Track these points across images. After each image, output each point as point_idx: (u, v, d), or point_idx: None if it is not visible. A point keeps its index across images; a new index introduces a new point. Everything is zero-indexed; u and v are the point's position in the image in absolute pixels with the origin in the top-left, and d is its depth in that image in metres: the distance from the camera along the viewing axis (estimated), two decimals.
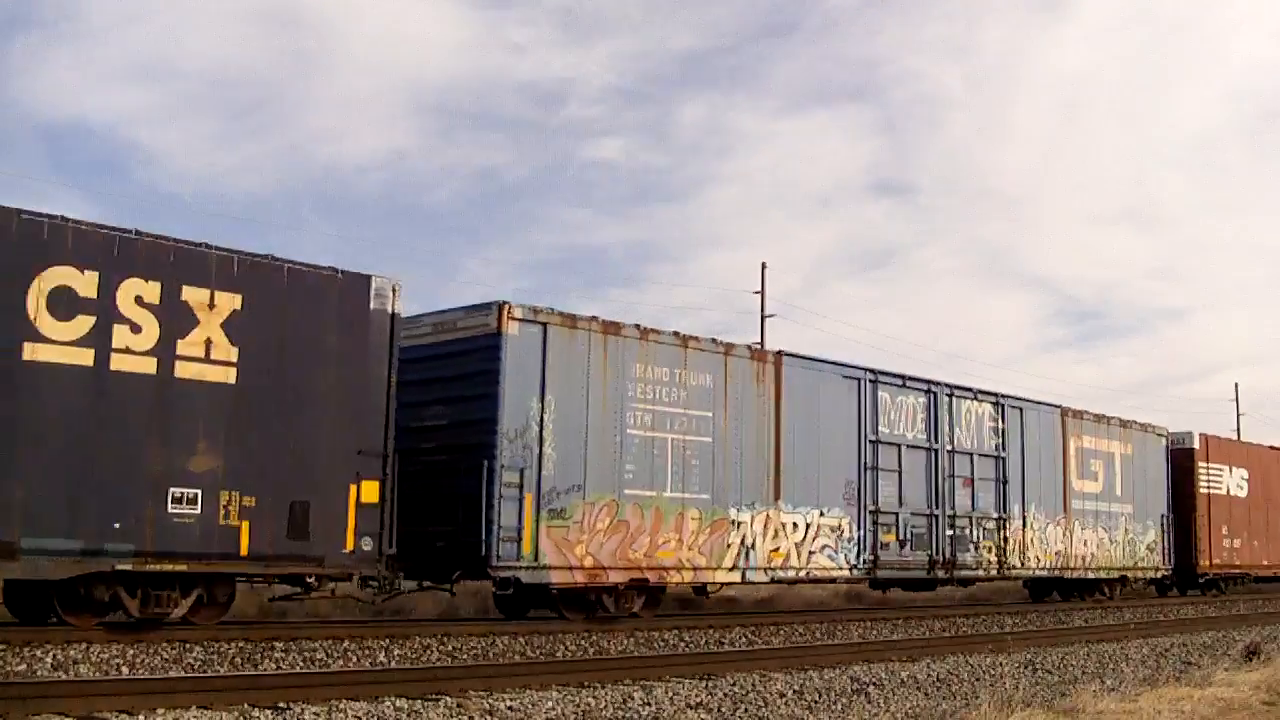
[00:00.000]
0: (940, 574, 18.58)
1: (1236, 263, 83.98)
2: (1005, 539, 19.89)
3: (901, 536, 17.82)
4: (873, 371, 17.90)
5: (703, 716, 8.23)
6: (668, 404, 14.70)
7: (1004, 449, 20.19)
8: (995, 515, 19.83)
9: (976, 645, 13.37)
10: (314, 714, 7.34)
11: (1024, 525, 20.37)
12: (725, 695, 9.02)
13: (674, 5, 72.78)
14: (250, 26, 64.27)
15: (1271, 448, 29.93)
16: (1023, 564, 20.39)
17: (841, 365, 17.53)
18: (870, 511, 17.33)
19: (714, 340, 15.59)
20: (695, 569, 14.87)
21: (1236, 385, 56.59)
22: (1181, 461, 25.58)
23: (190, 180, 67.17)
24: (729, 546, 15.25)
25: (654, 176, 77.00)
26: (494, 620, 14.52)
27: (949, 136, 77.81)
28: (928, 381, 18.88)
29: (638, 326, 14.51)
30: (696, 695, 8.94)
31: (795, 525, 16.21)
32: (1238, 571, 27.36)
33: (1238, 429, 50.00)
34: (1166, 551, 24.49)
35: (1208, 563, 25.63)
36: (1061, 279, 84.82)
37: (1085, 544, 22.08)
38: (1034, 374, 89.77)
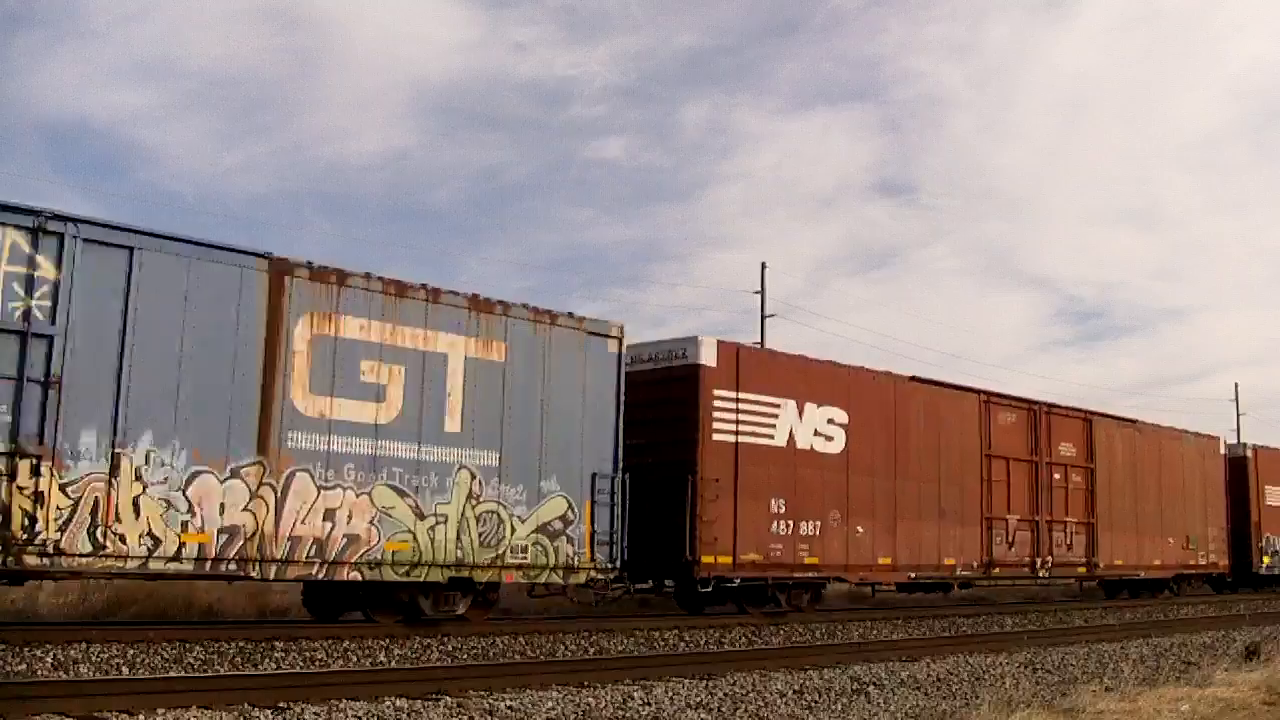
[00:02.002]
0: None
1: (1238, 263, 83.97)
2: None
3: None
4: None
5: (703, 716, 8.23)
6: None
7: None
8: None
9: (976, 645, 13.38)
10: (314, 714, 7.34)
11: (73, 469, 10.12)
12: (725, 695, 9.02)
13: (677, 4, 72.87)
14: (252, 26, 64.29)
15: (914, 379, 18.73)
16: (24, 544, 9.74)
17: None
18: None
19: None
20: None
21: (1236, 385, 56.46)
22: (675, 390, 15.18)
23: (192, 180, 67.15)
24: None
25: (656, 176, 77.06)
26: (494, 620, 14.52)
27: (952, 136, 77.89)
28: None
29: None
30: (696, 695, 8.94)
31: None
32: (810, 576, 16.37)
33: (1238, 430, 49.98)
34: (599, 538, 13.68)
35: (726, 559, 14.96)
36: (1063, 279, 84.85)
37: (326, 517, 11.63)
38: (1035, 374, 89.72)
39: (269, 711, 7.33)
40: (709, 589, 15.18)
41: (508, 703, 8.10)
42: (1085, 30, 76.41)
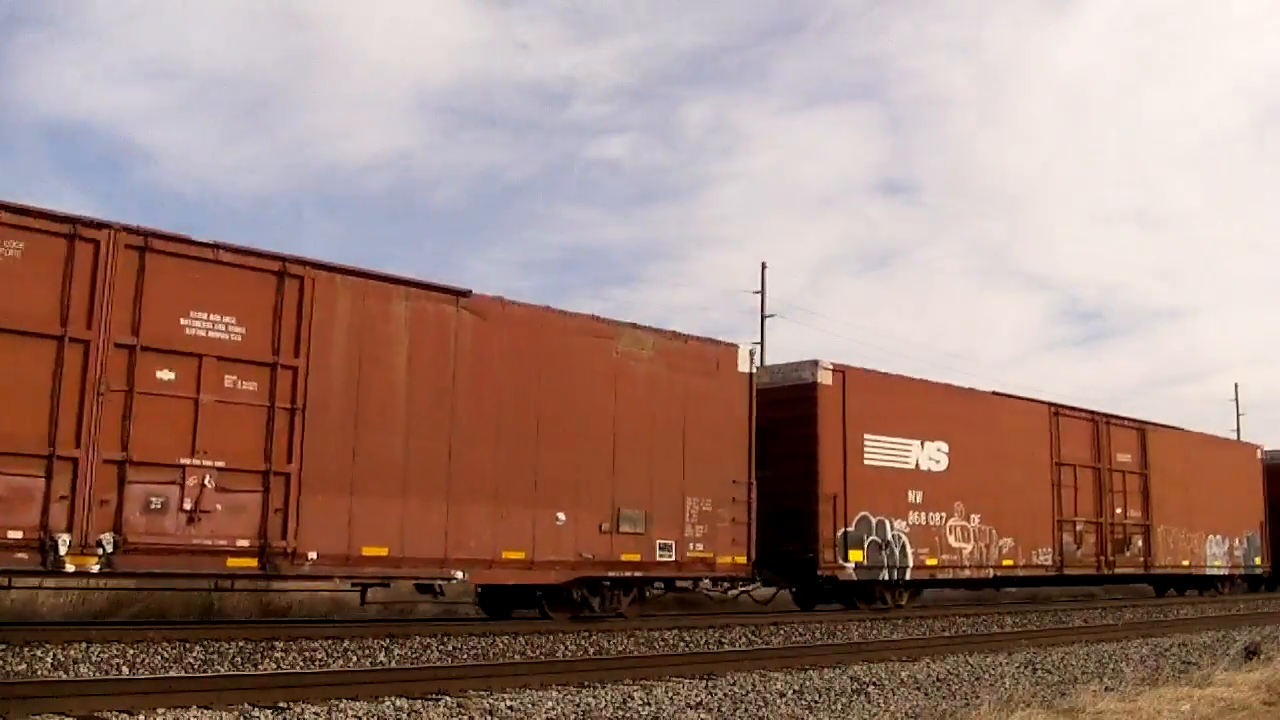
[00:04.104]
0: None
1: (1239, 262, 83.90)
2: None
3: None
4: None
5: (703, 716, 8.23)
6: None
7: None
8: None
9: (976, 645, 13.38)
10: (314, 714, 7.34)
11: None
12: (725, 695, 9.02)
13: (681, 4, 72.89)
14: (255, 25, 64.26)
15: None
16: None
17: None
18: None
19: None
20: None
21: (1236, 385, 56.39)
22: None
23: (193, 179, 67.11)
24: None
25: (658, 175, 77.05)
26: (494, 620, 14.53)
27: (953, 135, 77.93)
28: None
29: None
30: (696, 695, 8.94)
31: None
32: None
33: (1238, 429, 49.96)
34: None
35: None
36: (1065, 279, 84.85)
37: None
38: (1036, 374, 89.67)
39: (269, 711, 7.33)
40: None
41: (508, 703, 8.10)
42: (1087, 29, 76.45)
